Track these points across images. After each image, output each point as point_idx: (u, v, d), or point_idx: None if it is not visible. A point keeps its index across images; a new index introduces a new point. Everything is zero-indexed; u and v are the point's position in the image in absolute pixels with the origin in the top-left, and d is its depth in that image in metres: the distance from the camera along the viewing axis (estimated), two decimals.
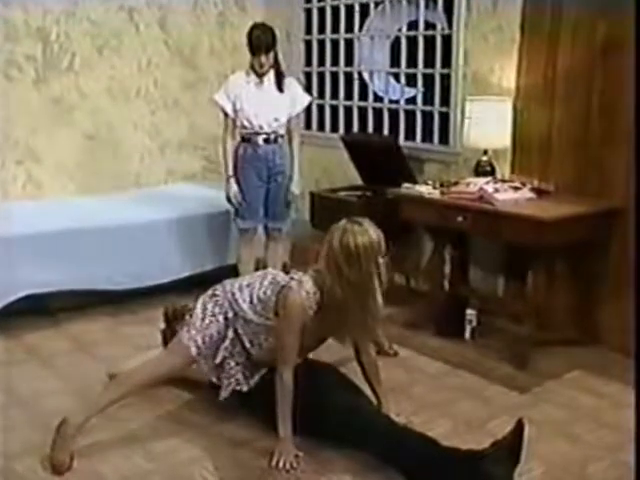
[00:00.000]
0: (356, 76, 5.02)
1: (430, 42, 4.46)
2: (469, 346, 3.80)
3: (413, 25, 4.61)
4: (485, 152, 3.91)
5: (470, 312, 3.86)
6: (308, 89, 5.34)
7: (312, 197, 4.56)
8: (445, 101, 4.40)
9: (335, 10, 5.08)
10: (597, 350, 3.66)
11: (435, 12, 4.43)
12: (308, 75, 5.37)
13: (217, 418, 3.01)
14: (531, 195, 3.62)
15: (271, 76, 3.95)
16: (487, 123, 3.82)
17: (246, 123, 3.94)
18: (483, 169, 3.90)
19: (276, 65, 3.98)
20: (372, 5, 4.82)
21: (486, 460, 2.42)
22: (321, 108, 5.33)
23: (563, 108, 3.74)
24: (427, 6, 4.47)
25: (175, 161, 5.28)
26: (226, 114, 4.01)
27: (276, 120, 3.94)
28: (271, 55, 3.89)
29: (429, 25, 4.51)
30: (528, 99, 3.88)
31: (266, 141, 3.96)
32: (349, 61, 5.04)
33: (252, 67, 3.94)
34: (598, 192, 3.64)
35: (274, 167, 4.01)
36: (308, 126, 5.40)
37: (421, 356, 3.65)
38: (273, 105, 3.94)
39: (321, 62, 5.27)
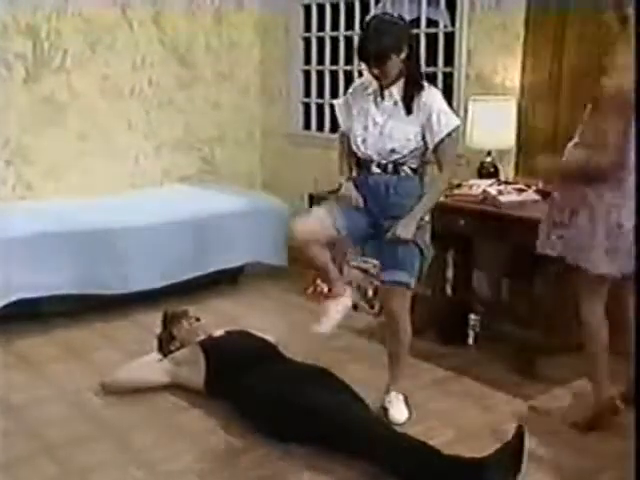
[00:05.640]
0: (356, 74, 4.94)
1: (432, 40, 4.41)
2: (472, 352, 3.76)
3: (415, 22, 4.52)
4: (489, 153, 3.88)
5: (473, 317, 3.83)
6: (307, 88, 5.29)
7: (311, 199, 4.49)
8: (448, 100, 4.27)
9: (335, 7, 5.02)
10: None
11: (437, 9, 4.40)
12: (307, 73, 5.29)
13: (213, 426, 2.97)
14: (536, 197, 3.54)
15: (398, 89, 2.88)
16: (491, 123, 3.78)
17: (354, 147, 2.97)
18: (487, 170, 3.86)
19: (408, 73, 2.85)
20: (373, 2, 4.76)
21: (488, 468, 2.40)
22: (320, 107, 5.25)
23: (569, 107, 3.67)
24: (429, 3, 4.43)
25: (171, 162, 5.19)
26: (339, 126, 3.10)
27: (393, 152, 2.88)
28: (393, 62, 2.77)
29: (431, 22, 4.46)
30: (533, 98, 3.83)
31: (380, 168, 2.92)
32: (349, 59, 4.96)
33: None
34: None
35: (388, 207, 2.93)
36: (307, 126, 5.34)
37: (423, 362, 3.58)
38: (391, 132, 2.86)
39: (320, 60, 5.20)
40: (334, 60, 5.08)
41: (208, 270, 4.41)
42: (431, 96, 2.87)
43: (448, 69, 4.30)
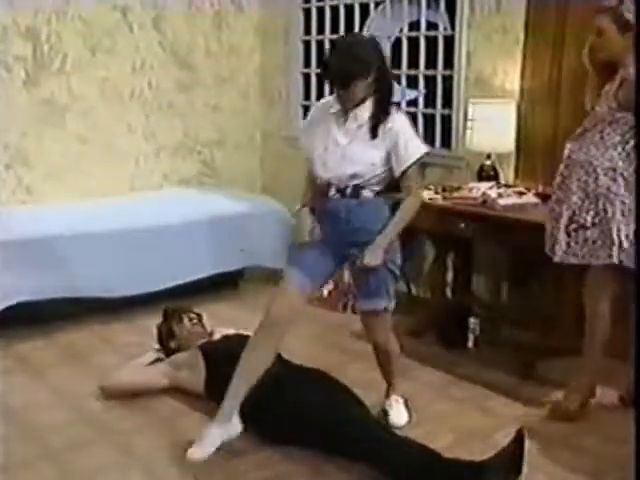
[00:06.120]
0: None
1: (432, 43, 4.40)
2: (472, 355, 3.75)
3: (414, 25, 4.54)
4: (488, 156, 3.86)
5: (473, 320, 3.82)
6: (306, 91, 5.29)
7: None
8: (447, 103, 4.33)
9: (334, 10, 5.00)
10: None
11: (437, 12, 4.38)
12: (307, 76, 5.29)
13: None
14: (536, 200, 3.53)
15: (363, 112, 2.71)
16: (490, 126, 3.77)
17: (313, 170, 2.84)
18: (486, 174, 3.85)
19: (377, 96, 2.70)
20: (372, 5, 4.75)
21: (488, 471, 2.40)
22: None
23: (569, 110, 3.65)
24: (429, 6, 4.41)
25: (170, 165, 5.18)
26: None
27: (354, 177, 2.73)
28: (358, 87, 2.63)
29: (431, 25, 4.45)
30: (533, 101, 3.82)
31: (339, 192, 2.78)
32: None
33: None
34: None
35: (351, 233, 2.79)
36: None
37: (423, 366, 3.58)
38: (353, 157, 2.71)
39: (320, 63, 5.18)
40: None
41: (208, 273, 4.40)
42: (398, 122, 2.72)
43: (448, 72, 4.29)
